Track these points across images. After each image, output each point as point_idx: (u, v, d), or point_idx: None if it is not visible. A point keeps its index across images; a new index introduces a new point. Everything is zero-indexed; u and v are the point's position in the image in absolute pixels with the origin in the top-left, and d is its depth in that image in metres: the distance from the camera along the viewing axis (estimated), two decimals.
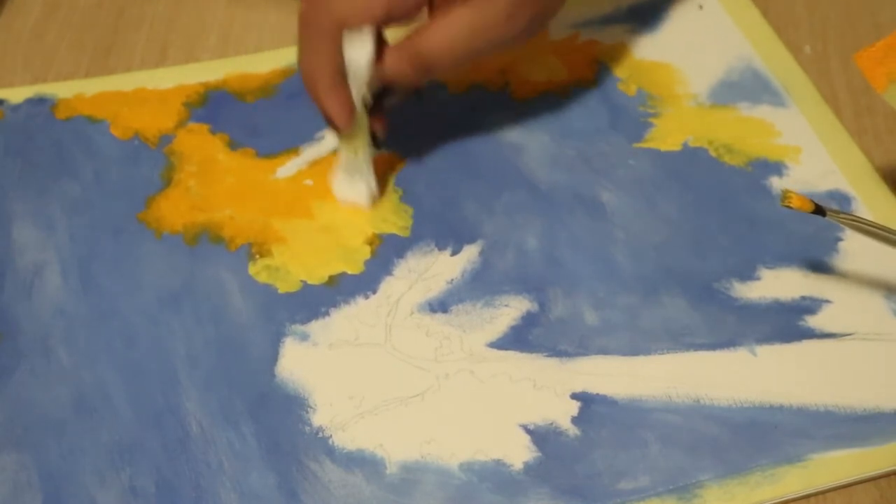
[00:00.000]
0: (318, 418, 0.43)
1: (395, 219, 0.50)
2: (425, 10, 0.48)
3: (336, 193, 0.50)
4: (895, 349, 0.45)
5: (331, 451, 0.42)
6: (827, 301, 0.47)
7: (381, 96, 0.49)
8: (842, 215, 0.43)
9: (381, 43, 0.47)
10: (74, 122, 0.54)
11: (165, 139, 0.53)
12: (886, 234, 0.43)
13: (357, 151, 0.49)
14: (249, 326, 0.46)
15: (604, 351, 0.45)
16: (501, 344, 0.46)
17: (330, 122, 0.48)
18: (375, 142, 0.50)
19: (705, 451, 0.42)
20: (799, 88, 0.55)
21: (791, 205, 0.42)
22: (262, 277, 0.48)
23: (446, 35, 0.46)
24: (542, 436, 0.43)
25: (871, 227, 0.43)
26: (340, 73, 0.46)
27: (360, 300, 0.47)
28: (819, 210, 0.42)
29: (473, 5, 0.46)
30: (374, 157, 0.50)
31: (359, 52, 0.46)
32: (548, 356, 0.45)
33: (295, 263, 0.48)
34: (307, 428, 0.43)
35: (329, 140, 0.51)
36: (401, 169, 0.52)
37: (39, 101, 0.55)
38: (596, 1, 0.60)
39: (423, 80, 0.48)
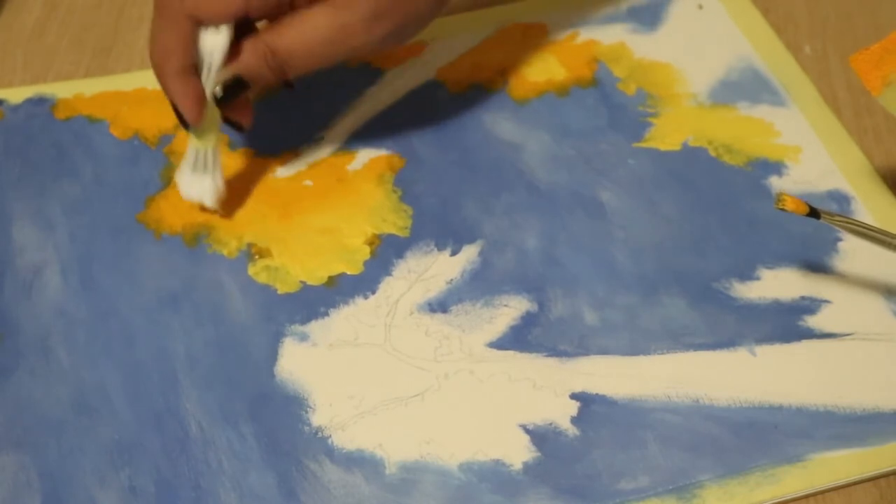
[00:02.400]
0: (318, 418, 0.43)
1: (394, 219, 0.50)
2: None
3: (180, 189, 0.49)
4: (895, 349, 0.45)
5: (330, 451, 0.42)
6: (827, 301, 0.47)
7: (241, 88, 0.47)
8: (836, 217, 0.43)
9: (240, 35, 0.46)
10: (74, 122, 0.54)
11: (165, 139, 0.53)
12: (881, 237, 0.43)
13: (207, 147, 0.48)
14: (249, 327, 0.46)
15: (603, 351, 0.45)
16: (501, 344, 0.46)
17: (178, 115, 0.47)
18: (238, 130, 0.49)
19: (705, 451, 0.42)
20: (799, 88, 0.55)
21: (785, 207, 0.42)
22: (262, 278, 0.48)
23: (304, 36, 0.45)
24: (541, 436, 0.43)
25: (865, 229, 0.43)
26: (191, 63, 0.45)
27: (360, 300, 0.47)
28: (813, 212, 0.42)
29: (334, 9, 0.45)
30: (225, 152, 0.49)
31: (212, 46, 0.45)
32: (547, 356, 0.45)
33: (294, 264, 0.48)
34: (307, 428, 0.43)
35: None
36: (400, 169, 0.52)
37: (39, 101, 0.55)
38: (596, 1, 0.60)
39: (278, 79, 0.46)
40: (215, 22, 0.44)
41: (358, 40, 0.45)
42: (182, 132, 0.53)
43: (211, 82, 0.46)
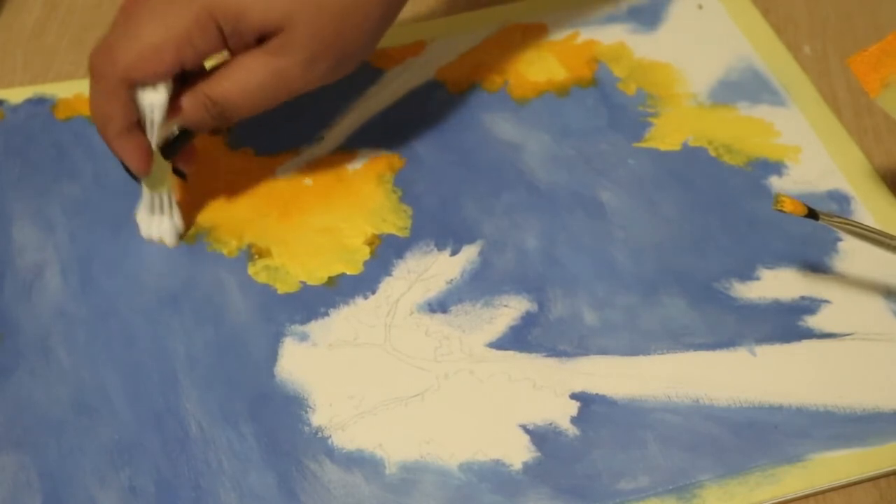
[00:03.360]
0: (318, 418, 0.43)
1: (394, 219, 0.50)
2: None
3: (142, 233, 0.49)
4: (895, 349, 0.45)
5: (330, 451, 0.42)
6: (826, 301, 0.47)
7: (186, 138, 0.47)
8: (835, 219, 0.43)
9: (180, 86, 0.46)
10: (74, 123, 0.54)
11: None
12: (880, 238, 0.43)
13: (161, 192, 0.48)
14: (249, 327, 0.46)
15: (603, 351, 0.45)
16: (501, 344, 0.46)
17: (126, 170, 0.47)
18: (181, 177, 0.49)
19: (705, 451, 0.42)
20: (799, 88, 0.55)
21: (783, 208, 0.42)
22: (262, 278, 0.48)
23: (241, 83, 0.45)
24: (541, 436, 0.43)
25: (864, 230, 0.43)
26: (133, 122, 0.45)
27: (360, 300, 0.47)
28: (812, 214, 0.42)
29: (270, 54, 0.45)
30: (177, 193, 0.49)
31: (151, 104, 0.45)
32: (547, 356, 0.45)
33: (294, 264, 0.48)
34: (306, 428, 0.43)
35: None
36: (400, 169, 0.52)
37: (39, 101, 0.55)
38: (596, 1, 0.60)
39: (219, 125, 0.46)
40: (150, 82, 0.44)
41: (296, 83, 0.46)
42: None
43: (155, 136, 0.46)
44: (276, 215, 0.50)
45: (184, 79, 0.45)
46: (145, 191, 0.48)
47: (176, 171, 0.49)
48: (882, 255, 0.44)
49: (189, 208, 0.50)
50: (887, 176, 0.51)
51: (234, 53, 0.46)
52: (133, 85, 0.44)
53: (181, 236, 0.49)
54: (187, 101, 0.45)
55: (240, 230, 0.50)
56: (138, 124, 0.45)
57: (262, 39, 0.45)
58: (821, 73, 0.57)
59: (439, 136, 0.53)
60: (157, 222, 0.49)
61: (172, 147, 0.47)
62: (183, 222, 0.49)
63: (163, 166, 0.47)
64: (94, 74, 0.45)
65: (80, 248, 0.49)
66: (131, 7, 0.44)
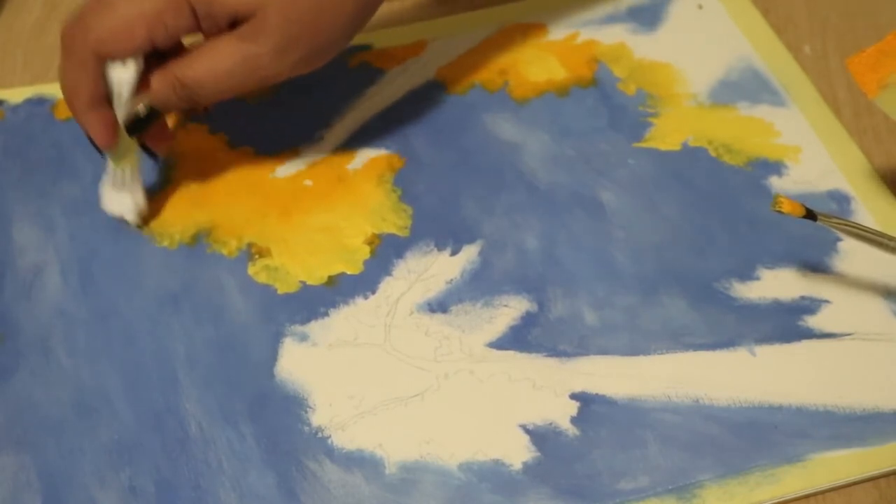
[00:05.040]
0: (318, 418, 0.43)
1: (394, 219, 0.50)
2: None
3: (103, 206, 0.49)
4: (895, 349, 0.45)
5: (330, 451, 0.42)
6: (826, 301, 0.47)
7: (152, 117, 0.47)
8: (833, 220, 0.43)
9: (150, 65, 0.46)
10: (74, 123, 0.53)
11: None
12: (878, 239, 0.43)
13: (124, 168, 0.48)
14: (249, 327, 0.46)
15: (603, 351, 0.45)
16: (501, 344, 0.46)
17: (91, 143, 0.47)
18: (153, 157, 0.50)
19: (705, 451, 0.42)
20: (799, 88, 0.55)
21: (781, 209, 0.42)
22: (262, 278, 0.48)
23: (210, 67, 0.45)
24: (541, 436, 0.43)
25: (862, 231, 0.43)
26: (100, 95, 0.46)
27: (360, 300, 0.47)
28: (810, 214, 0.42)
29: (241, 39, 0.45)
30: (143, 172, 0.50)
31: (119, 80, 0.45)
32: (547, 356, 0.45)
33: (294, 264, 0.48)
34: (306, 428, 0.43)
35: None
36: (400, 169, 0.52)
37: (39, 102, 0.55)
38: (596, 1, 0.60)
39: (188, 106, 0.47)
40: (120, 57, 0.45)
41: (266, 71, 0.46)
42: (184, 133, 0.53)
43: (122, 112, 0.46)
44: (276, 215, 0.50)
45: (159, 57, 0.46)
46: (110, 165, 0.48)
47: (147, 151, 0.49)
48: (882, 256, 0.44)
49: (189, 208, 0.50)
50: (887, 176, 0.51)
51: (207, 36, 0.46)
52: (103, 59, 0.45)
53: (142, 215, 0.49)
54: (156, 80, 0.46)
55: (240, 230, 0.50)
56: (106, 99, 0.46)
57: (234, 24, 0.45)
58: (821, 73, 0.57)
59: (439, 136, 0.53)
60: (119, 198, 0.49)
61: (139, 124, 0.47)
62: (145, 201, 0.49)
63: (128, 143, 0.48)
64: (66, 46, 0.45)
65: (80, 249, 0.49)
66: None
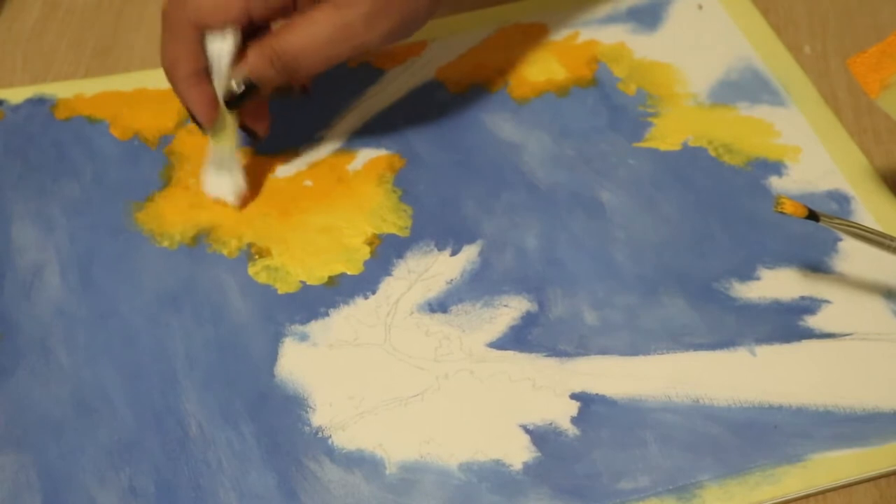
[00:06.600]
0: (318, 418, 0.43)
1: (394, 219, 0.50)
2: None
3: (203, 187, 0.50)
4: (895, 349, 0.45)
5: (330, 451, 0.42)
6: (826, 301, 0.47)
7: (251, 91, 0.47)
8: (836, 220, 0.43)
9: (248, 40, 0.47)
10: (74, 123, 0.54)
11: (165, 139, 0.53)
12: (881, 239, 0.43)
13: (224, 147, 0.49)
14: (249, 327, 0.46)
15: (603, 351, 0.45)
16: (501, 344, 0.46)
17: (193, 118, 0.48)
18: (253, 138, 0.50)
19: (705, 451, 0.42)
20: (799, 88, 0.55)
21: (784, 210, 0.42)
22: (262, 278, 0.48)
23: (307, 37, 0.46)
24: (541, 436, 0.43)
25: (865, 232, 0.43)
26: (201, 70, 0.47)
27: (360, 300, 0.47)
28: (813, 215, 0.42)
29: (335, 8, 0.46)
30: (246, 152, 0.50)
31: (219, 51, 0.46)
32: (547, 356, 0.45)
33: (294, 264, 0.48)
34: (307, 428, 0.43)
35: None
36: (400, 169, 0.52)
37: (39, 102, 0.55)
38: (596, 1, 0.60)
39: (286, 80, 0.47)
40: (218, 27, 0.46)
41: (360, 38, 0.46)
42: (185, 133, 0.53)
43: (221, 85, 0.47)
44: (276, 215, 0.50)
45: (255, 36, 0.47)
46: (211, 145, 0.49)
47: (246, 130, 0.50)
48: (882, 256, 0.44)
49: (189, 208, 0.50)
50: (887, 176, 0.51)
51: (300, 9, 0.47)
52: (202, 30, 0.46)
53: (241, 196, 0.50)
54: (253, 53, 0.46)
55: (240, 230, 0.50)
56: (206, 73, 0.47)
57: None
58: (821, 73, 0.57)
59: (439, 136, 0.53)
60: (219, 180, 0.50)
61: (237, 100, 0.47)
62: (245, 182, 0.50)
63: (228, 120, 0.48)
64: (166, 19, 0.46)
65: (80, 248, 0.49)
66: None
